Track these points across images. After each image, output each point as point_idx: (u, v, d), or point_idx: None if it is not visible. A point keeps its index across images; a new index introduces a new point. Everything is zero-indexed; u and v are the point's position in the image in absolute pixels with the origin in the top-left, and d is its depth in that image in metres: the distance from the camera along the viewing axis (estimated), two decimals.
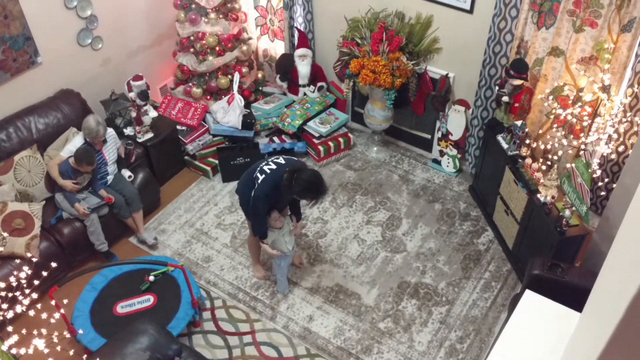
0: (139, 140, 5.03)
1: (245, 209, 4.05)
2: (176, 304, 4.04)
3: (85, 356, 3.48)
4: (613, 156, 4.23)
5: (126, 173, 4.79)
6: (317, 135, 5.49)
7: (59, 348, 2.63)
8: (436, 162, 5.50)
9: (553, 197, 4.02)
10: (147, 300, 4.07)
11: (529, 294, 2.50)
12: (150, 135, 5.09)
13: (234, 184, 5.32)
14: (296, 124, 5.51)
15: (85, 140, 4.40)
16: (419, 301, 4.34)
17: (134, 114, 5.03)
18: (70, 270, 4.46)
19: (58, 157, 4.42)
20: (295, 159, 3.98)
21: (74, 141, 4.44)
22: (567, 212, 3.85)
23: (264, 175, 3.78)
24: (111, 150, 4.60)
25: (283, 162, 3.85)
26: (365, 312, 4.28)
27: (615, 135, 4.07)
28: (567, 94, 4.18)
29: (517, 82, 4.28)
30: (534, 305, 2.46)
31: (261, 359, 4.01)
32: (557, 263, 3.63)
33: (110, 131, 4.61)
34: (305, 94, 5.75)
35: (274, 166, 3.81)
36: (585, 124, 4.05)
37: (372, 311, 4.28)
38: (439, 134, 5.35)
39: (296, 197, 3.83)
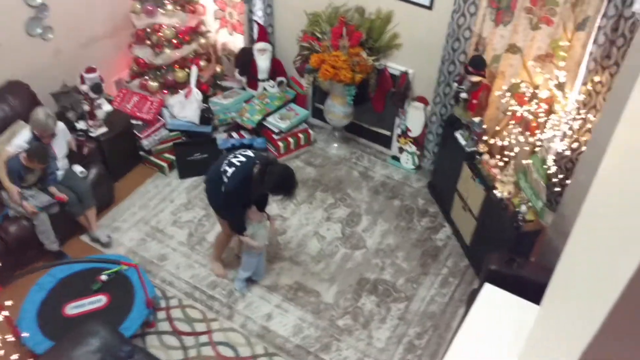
0: (92, 135, 4.86)
1: (215, 206, 3.95)
2: (129, 304, 3.92)
3: None
4: (567, 153, 4.30)
5: (78, 169, 4.62)
6: (276, 130, 5.42)
7: (1, 352, 2.50)
8: (395, 158, 5.51)
9: (510, 193, 4.06)
10: (98, 301, 3.94)
11: (488, 287, 2.50)
12: (104, 129, 4.92)
13: (190, 181, 5.21)
14: (255, 119, 5.42)
15: (33, 134, 4.22)
16: (378, 298, 4.33)
17: (86, 108, 4.86)
18: (16, 270, 4.27)
19: (5, 152, 4.22)
20: (265, 154, 3.91)
21: (22, 135, 4.25)
22: (524, 208, 3.89)
23: (233, 169, 3.68)
24: (60, 144, 4.42)
25: (252, 154, 3.76)
26: (324, 309, 4.24)
27: (569, 132, 4.13)
28: (524, 91, 4.22)
29: (475, 78, 4.31)
30: (493, 298, 2.47)
31: (218, 359, 3.92)
32: (514, 258, 3.66)
33: (60, 124, 4.43)
34: (264, 88, 5.66)
35: (243, 158, 3.72)
36: (541, 120, 4.09)
37: (331, 308, 4.24)
38: (399, 131, 5.35)
39: (268, 193, 3.74)
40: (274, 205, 4.90)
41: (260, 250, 4.12)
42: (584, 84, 4.03)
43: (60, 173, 4.48)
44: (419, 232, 4.83)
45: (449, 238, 4.79)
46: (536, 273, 3.58)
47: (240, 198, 3.76)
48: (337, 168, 5.43)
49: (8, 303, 3.31)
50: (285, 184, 3.63)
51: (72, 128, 4.79)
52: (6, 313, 3.32)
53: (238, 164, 3.69)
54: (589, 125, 4.11)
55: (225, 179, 3.69)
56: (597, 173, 2.07)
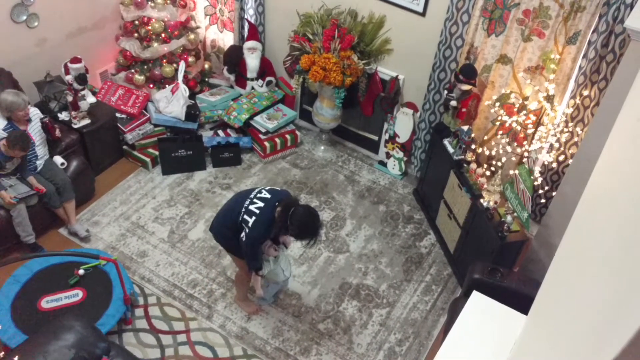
0: (75, 127, 4.76)
1: (233, 250, 3.69)
2: (107, 299, 3.84)
3: (2, 353, 3.25)
4: (554, 165, 4.33)
5: (58, 160, 4.52)
6: (263, 130, 5.37)
7: None
8: (382, 164, 5.49)
9: (496, 203, 4.07)
10: (75, 295, 3.84)
11: (476, 295, 2.50)
12: (87, 121, 4.82)
13: (174, 177, 5.14)
14: (242, 118, 5.37)
15: (9, 120, 4.12)
16: (360, 303, 4.30)
17: (70, 98, 4.76)
18: None
19: None
20: (278, 189, 3.66)
21: None
22: (509, 218, 3.90)
23: (253, 218, 3.40)
24: (36, 129, 4.32)
25: (269, 195, 3.48)
26: (305, 312, 4.19)
27: (556, 145, 4.16)
28: (513, 102, 4.24)
29: (466, 87, 4.31)
30: (480, 306, 2.46)
31: (195, 359, 3.85)
32: (497, 268, 3.67)
33: (33, 109, 4.33)
34: (253, 87, 5.61)
35: (260, 203, 3.44)
36: (529, 132, 4.11)
37: (312, 312, 4.20)
38: (386, 136, 5.34)
39: (292, 237, 3.53)
40: None
41: (262, 295, 4.00)
42: (573, 97, 4.06)
43: (39, 163, 4.38)
44: (403, 239, 4.81)
45: (433, 245, 4.79)
46: (519, 283, 3.59)
47: (262, 242, 3.56)
48: (323, 171, 5.40)
49: None
50: (311, 227, 3.37)
51: (54, 118, 4.69)
52: None
53: (257, 211, 3.42)
54: (576, 139, 4.14)
55: (247, 229, 3.42)
56: (587, 186, 2.07)
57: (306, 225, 3.36)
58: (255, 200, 3.48)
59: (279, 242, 3.76)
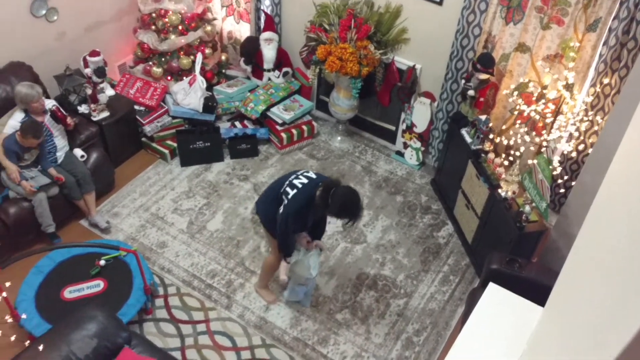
0: (94, 119, 4.81)
1: (269, 226, 3.71)
2: (127, 290, 3.89)
3: (27, 342, 3.32)
4: (573, 154, 4.28)
5: (78, 152, 4.58)
6: (280, 122, 5.38)
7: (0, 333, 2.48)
8: (399, 154, 5.48)
9: (514, 193, 4.04)
10: (96, 286, 3.91)
11: (492, 287, 2.49)
12: (106, 114, 4.88)
13: (192, 169, 5.18)
14: (259, 109, 5.38)
15: (26, 113, 4.19)
16: (377, 293, 4.31)
17: (89, 91, 4.81)
18: (15, 252, 4.24)
19: (1, 135, 4.18)
20: (325, 175, 3.69)
21: (15, 116, 4.22)
22: (527, 208, 3.87)
23: (295, 190, 3.46)
24: (54, 121, 4.38)
25: (314, 176, 3.55)
26: (322, 302, 4.22)
27: (576, 134, 4.11)
28: (532, 91, 4.20)
29: (484, 76, 4.27)
30: (496, 298, 2.46)
31: (215, 348, 3.90)
32: (515, 258, 3.65)
33: (50, 101, 4.40)
34: (269, 79, 5.62)
35: (305, 180, 3.50)
36: (548, 121, 4.07)
37: (329, 302, 4.23)
38: (404, 126, 5.32)
39: (332, 216, 3.55)
40: None
41: (285, 280, 3.93)
42: (593, 85, 4.01)
43: (59, 155, 4.45)
44: (420, 229, 4.81)
45: (451, 236, 4.77)
46: (538, 274, 3.57)
47: (298, 221, 3.56)
48: (340, 161, 5.40)
49: (7, 284, 3.30)
50: (351, 206, 3.37)
51: (74, 111, 4.76)
52: (4, 294, 3.30)
53: (300, 185, 3.47)
54: (596, 128, 4.09)
55: (286, 200, 3.47)
56: (605, 176, 2.05)
57: (346, 204, 3.37)
58: (300, 176, 3.56)
59: (312, 234, 3.84)
